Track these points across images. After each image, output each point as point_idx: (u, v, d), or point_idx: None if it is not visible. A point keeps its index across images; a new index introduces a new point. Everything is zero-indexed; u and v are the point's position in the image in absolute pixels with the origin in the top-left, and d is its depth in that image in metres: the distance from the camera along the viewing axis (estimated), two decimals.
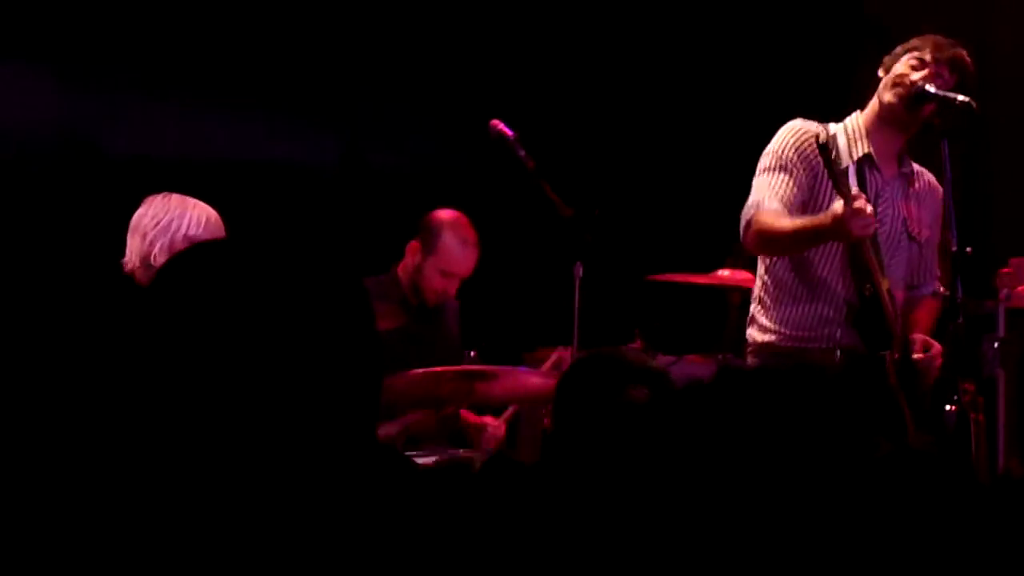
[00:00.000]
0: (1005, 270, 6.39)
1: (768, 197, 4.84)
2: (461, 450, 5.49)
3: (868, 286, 4.84)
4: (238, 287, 1.73)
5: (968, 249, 4.72)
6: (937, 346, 4.90)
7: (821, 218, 4.70)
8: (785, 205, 4.82)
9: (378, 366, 1.81)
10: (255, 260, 1.76)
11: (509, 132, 5.31)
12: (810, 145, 4.84)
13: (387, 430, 5.36)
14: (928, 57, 4.87)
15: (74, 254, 5.88)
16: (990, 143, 7.34)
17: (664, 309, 6.77)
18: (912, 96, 4.85)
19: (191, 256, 1.77)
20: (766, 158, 4.94)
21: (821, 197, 4.86)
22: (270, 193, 6.87)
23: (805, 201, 4.85)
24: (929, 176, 5.10)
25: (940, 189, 5.04)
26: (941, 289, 5.07)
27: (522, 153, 5.28)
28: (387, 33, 7.33)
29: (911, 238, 5.02)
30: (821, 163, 4.76)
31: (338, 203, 7.10)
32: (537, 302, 6.64)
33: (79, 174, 6.49)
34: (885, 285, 4.85)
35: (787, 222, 4.79)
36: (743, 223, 4.89)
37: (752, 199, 4.88)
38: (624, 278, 6.58)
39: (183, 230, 4.36)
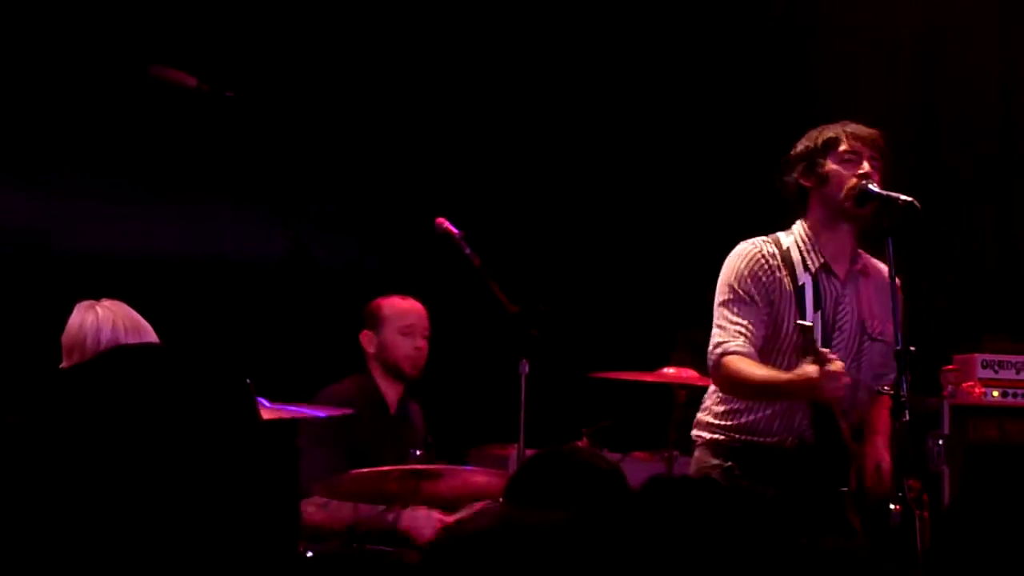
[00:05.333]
0: (949, 367, 6.43)
1: (734, 338, 4.80)
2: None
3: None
4: (123, 398, 1.80)
5: (912, 347, 4.71)
6: (886, 464, 4.82)
7: (793, 377, 4.68)
8: (754, 344, 4.79)
9: (269, 471, 1.84)
10: (143, 370, 1.84)
11: (455, 230, 5.32)
12: (761, 267, 4.85)
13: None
14: (858, 146, 4.84)
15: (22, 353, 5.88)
16: (935, 239, 7.40)
17: (610, 406, 6.76)
18: (856, 196, 4.82)
19: (84, 370, 1.82)
20: (724, 290, 4.88)
21: (782, 316, 4.84)
22: (216, 288, 6.84)
23: (768, 326, 4.83)
24: (879, 266, 5.00)
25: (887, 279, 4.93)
26: (886, 388, 5.01)
27: (468, 251, 5.29)
28: (334, 127, 7.35)
29: (872, 339, 4.95)
30: (778, 282, 4.80)
31: (284, 297, 7.07)
32: (483, 399, 6.62)
33: (28, 272, 6.48)
34: (844, 424, 4.79)
35: (758, 373, 4.77)
36: (711, 361, 4.85)
37: (719, 337, 4.83)
38: (570, 375, 6.57)
39: (102, 347, 4.38)
